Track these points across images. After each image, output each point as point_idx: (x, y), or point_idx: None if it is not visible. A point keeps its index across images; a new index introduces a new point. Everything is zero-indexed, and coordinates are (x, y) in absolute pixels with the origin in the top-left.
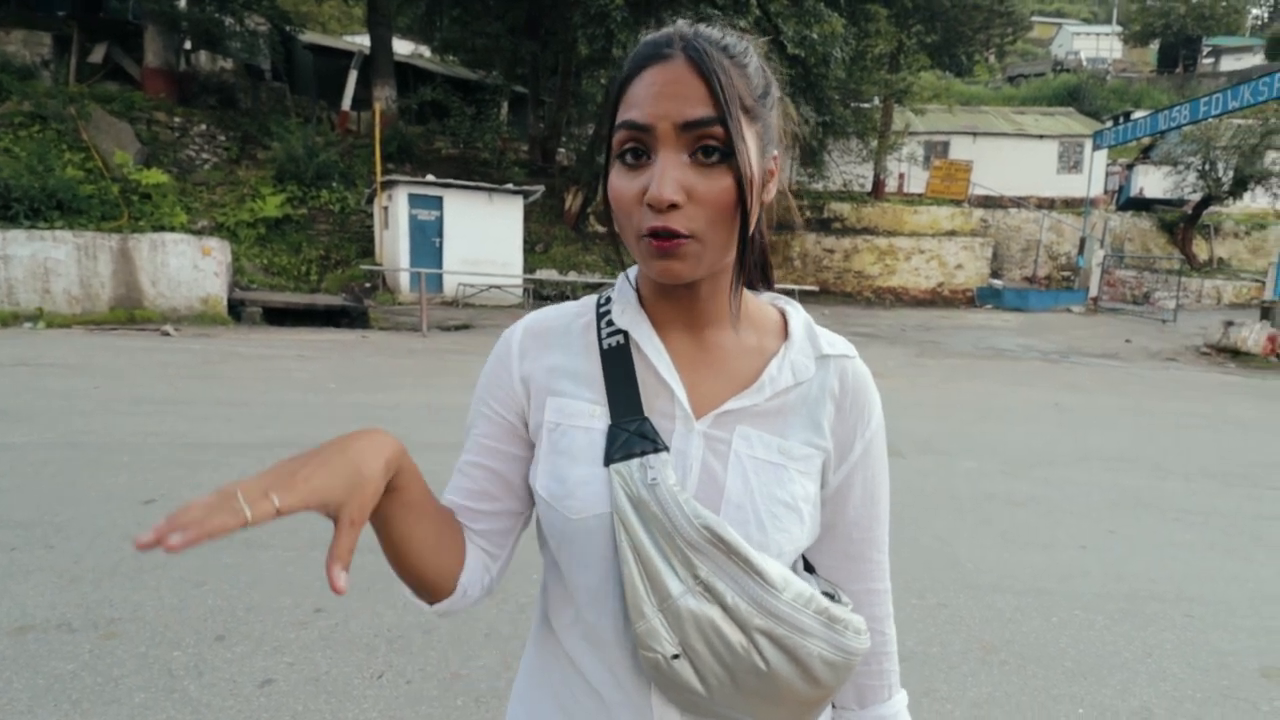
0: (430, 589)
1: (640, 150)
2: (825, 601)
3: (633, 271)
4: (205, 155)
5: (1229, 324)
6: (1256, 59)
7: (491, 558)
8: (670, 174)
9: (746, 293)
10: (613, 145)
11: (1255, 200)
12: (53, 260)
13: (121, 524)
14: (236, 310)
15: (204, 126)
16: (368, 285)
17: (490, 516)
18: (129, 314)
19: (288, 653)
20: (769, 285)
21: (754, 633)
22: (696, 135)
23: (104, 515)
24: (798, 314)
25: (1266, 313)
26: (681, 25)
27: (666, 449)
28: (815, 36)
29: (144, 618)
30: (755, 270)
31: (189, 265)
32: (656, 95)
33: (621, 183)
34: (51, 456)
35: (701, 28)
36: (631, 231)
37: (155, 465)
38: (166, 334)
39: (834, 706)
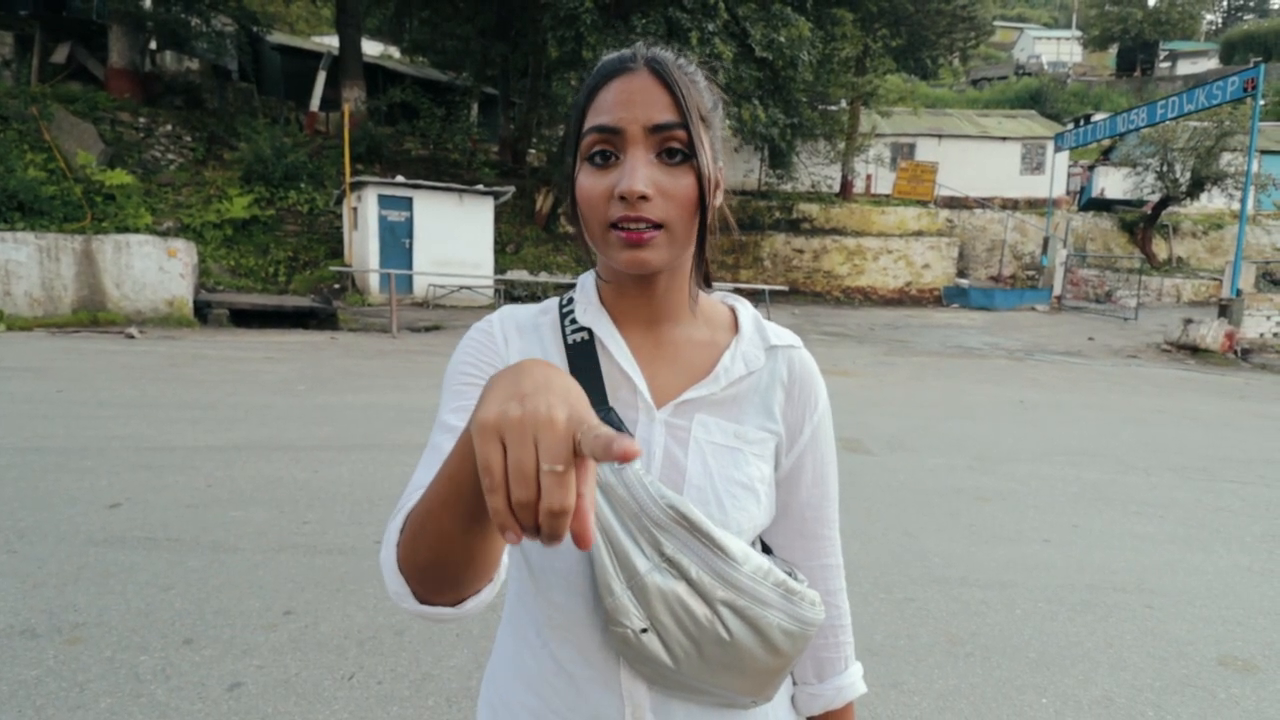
0: (488, 571)
1: (609, 152)
2: (782, 575)
3: (592, 274)
4: (171, 156)
5: (1188, 322)
6: (1211, 63)
7: None
8: (641, 169)
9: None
10: (581, 149)
11: (1212, 201)
12: (13, 262)
13: (85, 528)
14: (203, 312)
15: (169, 127)
16: (337, 286)
17: None
18: (92, 316)
19: (257, 656)
20: (709, 286)
21: (717, 604)
22: (662, 138)
23: (68, 520)
24: (746, 310)
25: (1224, 310)
26: (639, 46)
27: (631, 436)
28: (783, 40)
29: (109, 622)
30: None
31: (154, 267)
32: (625, 102)
33: (590, 181)
34: (14, 461)
35: (657, 50)
36: (599, 226)
37: (120, 469)
38: (131, 336)
39: (794, 683)
